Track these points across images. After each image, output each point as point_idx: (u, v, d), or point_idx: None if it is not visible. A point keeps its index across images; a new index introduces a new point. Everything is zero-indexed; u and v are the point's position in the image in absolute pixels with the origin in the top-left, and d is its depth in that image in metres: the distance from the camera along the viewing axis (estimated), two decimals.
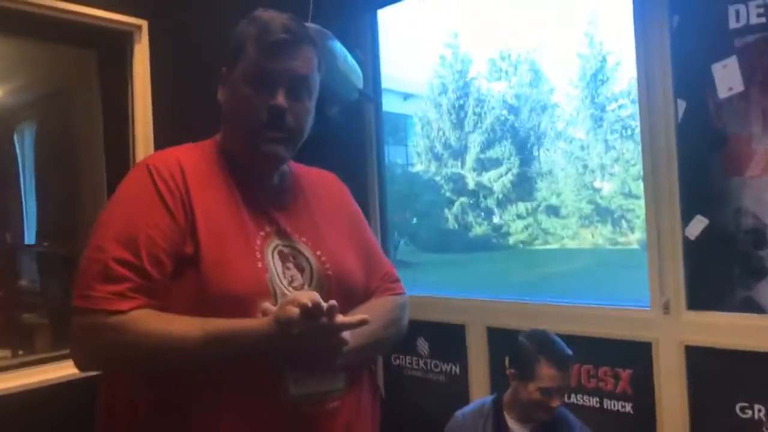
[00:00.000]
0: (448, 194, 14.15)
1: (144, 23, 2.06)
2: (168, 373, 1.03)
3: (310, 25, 1.99)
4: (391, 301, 1.26)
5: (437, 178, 14.34)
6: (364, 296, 1.22)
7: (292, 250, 1.13)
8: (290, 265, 1.11)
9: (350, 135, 2.65)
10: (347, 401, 1.12)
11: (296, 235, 1.15)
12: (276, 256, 1.10)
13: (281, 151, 1.13)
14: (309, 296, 0.96)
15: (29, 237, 2.71)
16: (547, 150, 14.29)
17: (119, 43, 2.10)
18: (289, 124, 1.11)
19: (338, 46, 2.17)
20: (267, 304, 1.01)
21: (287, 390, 1.04)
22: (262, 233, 1.11)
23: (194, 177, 1.10)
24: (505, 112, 14.37)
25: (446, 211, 14.11)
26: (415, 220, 13.67)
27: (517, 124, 14.25)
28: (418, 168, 14.64)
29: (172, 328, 0.98)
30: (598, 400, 2.12)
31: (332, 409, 1.09)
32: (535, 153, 14.25)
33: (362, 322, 0.99)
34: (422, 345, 2.55)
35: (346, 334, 0.99)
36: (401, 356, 2.62)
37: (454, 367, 2.46)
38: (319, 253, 1.15)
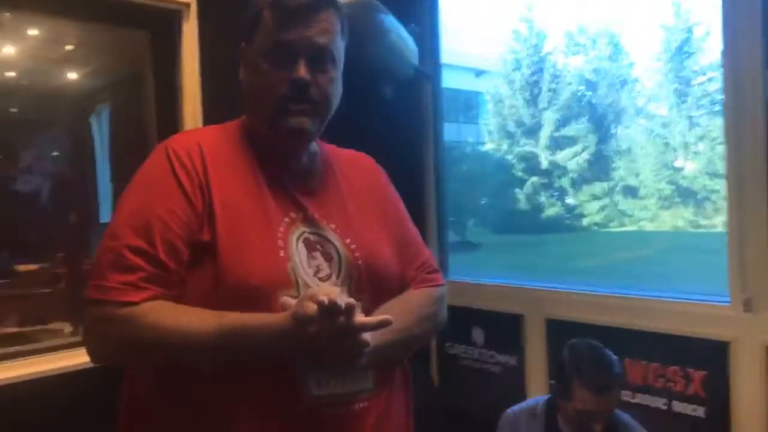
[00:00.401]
0: (519, 174, 13.79)
1: (192, 1, 2.02)
2: (183, 369, 0.98)
3: None
4: (428, 293, 1.16)
5: (509, 157, 13.99)
6: (398, 287, 1.13)
7: (320, 238, 1.05)
8: (317, 254, 1.03)
9: (406, 114, 2.55)
10: (376, 402, 1.04)
11: (324, 221, 1.07)
12: (301, 245, 1.02)
13: (307, 123, 1.04)
14: (327, 292, 0.88)
15: (105, 216, 2.80)
16: (626, 127, 13.66)
17: (170, 22, 2.08)
18: (313, 96, 1.02)
19: (390, 20, 2.07)
20: (286, 298, 0.94)
21: (309, 391, 0.97)
22: (286, 220, 1.03)
23: (214, 160, 1.03)
24: (582, 87, 13.81)
25: (517, 191, 13.77)
26: (484, 200, 13.43)
27: (594, 101, 13.67)
28: (489, 147, 14.33)
29: (186, 321, 0.93)
30: (666, 401, 1.96)
31: (359, 411, 1.01)
32: (613, 131, 13.64)
33: (383, 323, 0.91)
34: (477, 334, 2.44)
35: (367, 335, 0.91)
36: (455, 344, 2.52)
37: (510, 358, 2.34)
38: (348, 240, 1.07)
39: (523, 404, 1.83)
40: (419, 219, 2.59)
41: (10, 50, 3.40)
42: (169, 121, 2.07)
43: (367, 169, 1.24)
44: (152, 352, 0.95)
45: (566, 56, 14.20)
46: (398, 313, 1.07)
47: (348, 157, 1.23)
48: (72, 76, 3.42)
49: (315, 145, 1.16)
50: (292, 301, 0.92)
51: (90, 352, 0.98)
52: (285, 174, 1.08)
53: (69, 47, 3.19)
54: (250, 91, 1.08)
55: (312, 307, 0.86)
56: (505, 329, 2.35)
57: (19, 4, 2.05)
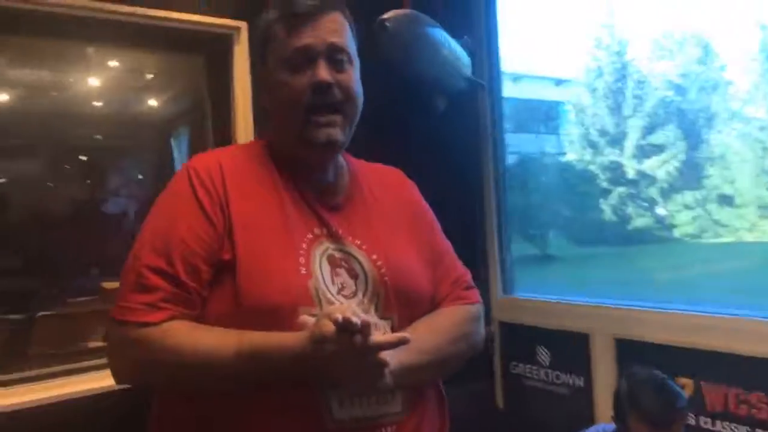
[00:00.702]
0: (604, 184, 13.26)
1: (243, 24, 2.08)
2: (201, 391, 0.97)
3: (404, 11, 1.88)
4: (462, 311, 1.13)
5: (592, 168, 13.50)
6: (430, 305, 1.10)
7: (345, 254, 1.04)
8: (341, 271, 1.02)
9: (462, 126, 2.50)
10: (405, 426, 1.00)
11: (349, 237, 1.06)
12: (325, 261, 1.01)
13: (336, 134, 1.03)
14: (343, 309, 0.86)
15: None
16: (719, 132, 12.85)
17: (223, 46, 2.14)
18: (337, 98, 1.02)
19: (440, 34, 2.04)
20: (305, 317, 0.93)
21: (331, 412, 0.95)
22: (309, 236, 1.02)
23: (234, 179, 1.04)
24: (669, 93, 13.15)
25: (602, 201, 13.24)
26: (567, 212, 13.02)
27: (683, 106, 12.97)
28: (571, 157, 13.90)
29: (204, 343, 0.93)
30: (748, 429, 1.78)
31: None
32: (705, 136, 12.87)
33: (401, 341, 0.87)
34: (542, 354, 2.33)
35: (388, 355, 0.87)
36: (520, 364, 2.42)
37: (577, 379, 2.22)
38: (374, 257, 1.05)
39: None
40: (479, 234, 2.52)
41: (95, 81, 3.65)
42: (225, 141, 2.12)
43: (395, 182, 1.22)
44: (171, 375, 0.95)
45: (651, 62, 13.58)
46: (428, 332, 1.03)
47: (376, 170, 1.21)
48: (152, 102, 3.61)
49: (342, 159, 1.15)
50: (311, 320, 0.90)
51: (113, 374, 1.00)
52: (309, 190, 1.08)
53: (149, 76, 3.38)
54: (274, 108, 1.08)
55: (329, 326, 0.84)
56: (571, 349, 2.23)
57: (92, 36, 2.16)
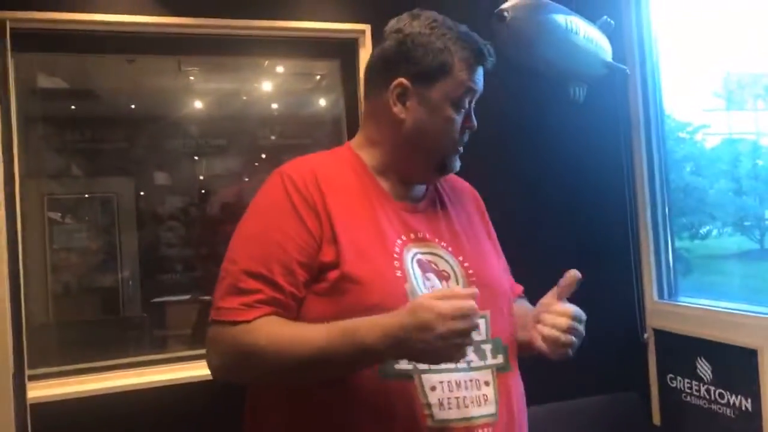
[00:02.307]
0: None
1: (367, 27, 2.11)
2: (297, 380, 1.00)
3: None
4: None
5: None
6: (510, 302, 1.13)
7: (434, 257, 1.07)
8: (430, 274, 1.05)
9: (609, 115, 2.29)
10: (498, 426, 1.00)
11: (436, 239, 1.09)
12: (415, 264, 1.03)
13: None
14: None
15: None
16: None
17: (351, 49, 2.20)
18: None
19: (572, 21, 1.88)
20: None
21: (431, 414, 0.96)
22: (399, 241, 1.04)
23: (329, 184, 1.06)
24: None
25: None
26: None
27: None
28: None
29: (297, 328, 0.96)
30: None
31: None
32: None
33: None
34: (703, 367, 2.06)
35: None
36: (678, 378, 2.16)
37: (744, 401, 1.92)
38: (461, 258, 1.09)
39: None
40: (633, 232, 2.28)
41: (268, 86, 4.01)
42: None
43: (467, 194, 1.26)
44: (265, 366, 0.97)
45: None
46: None
47: (448, 180, 1.23)
48: (322, 102, 3.86)
49: None
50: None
51: (210, 368, 1.06)
52: (395, 195, 1.11)
53: (317, 77, 3.62)
54: (422, 131, 1.09)
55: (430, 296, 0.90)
56: (736, 365, 1.94)
57: (259, 49, 2.33)
